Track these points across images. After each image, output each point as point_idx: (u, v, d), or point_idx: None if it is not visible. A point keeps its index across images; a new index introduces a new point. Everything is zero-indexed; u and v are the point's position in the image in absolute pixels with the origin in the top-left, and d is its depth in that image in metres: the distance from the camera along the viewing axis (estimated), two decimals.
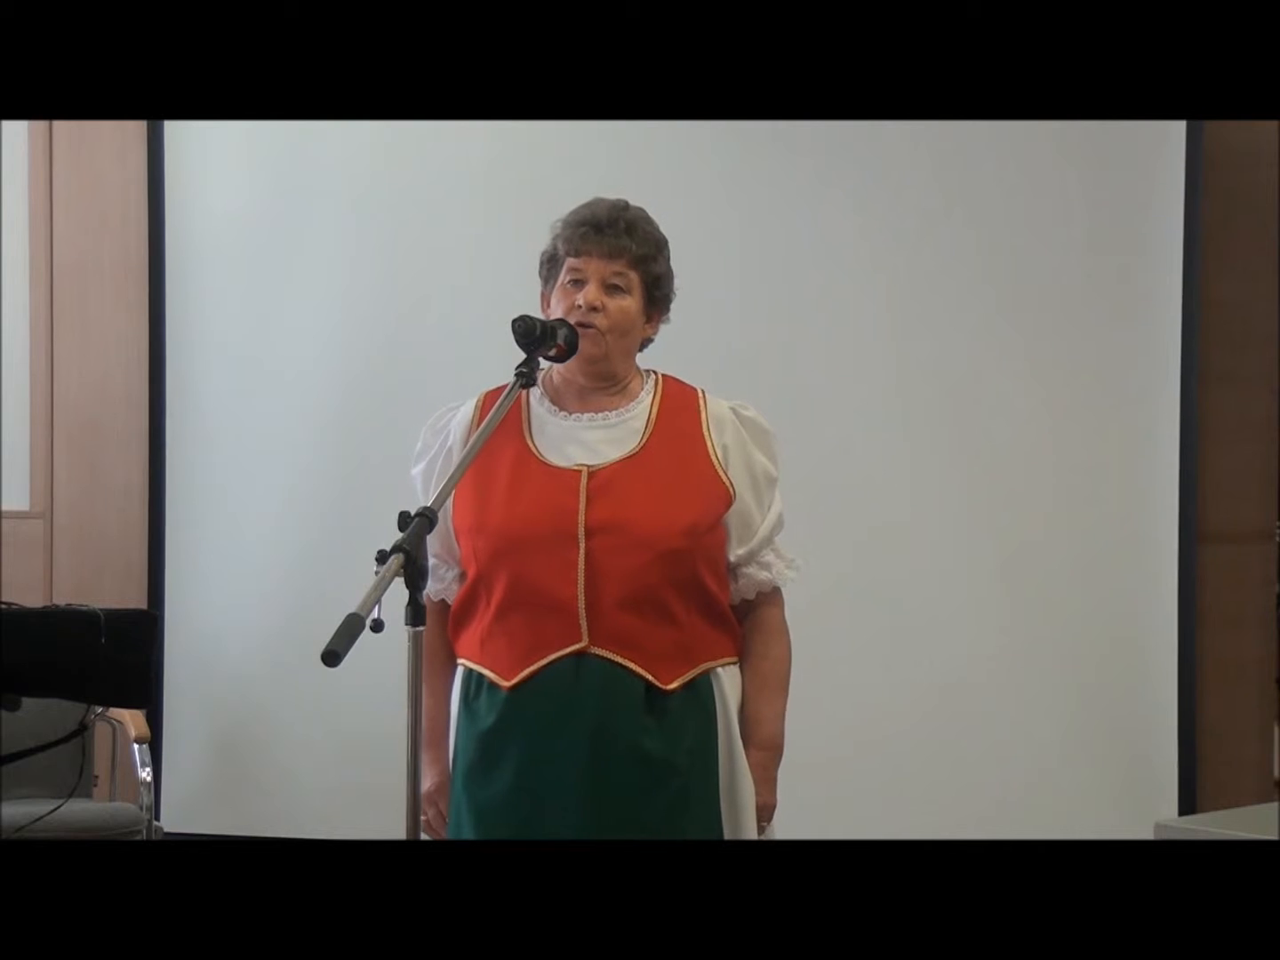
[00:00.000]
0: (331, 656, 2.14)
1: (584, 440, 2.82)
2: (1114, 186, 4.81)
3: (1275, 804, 3.19)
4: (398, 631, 2.36)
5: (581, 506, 2.74)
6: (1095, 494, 4.81)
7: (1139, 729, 4.76)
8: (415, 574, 2.33)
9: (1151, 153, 4.75)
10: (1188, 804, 4.68)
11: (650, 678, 2.74)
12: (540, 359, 2.75)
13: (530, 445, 2.83)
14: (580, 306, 2.79)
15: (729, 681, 2.84)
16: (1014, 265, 4.85)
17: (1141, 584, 4.79)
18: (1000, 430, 4.86)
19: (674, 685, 2.76)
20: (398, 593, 2.36)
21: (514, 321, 2.73)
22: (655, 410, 2.86)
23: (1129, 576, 4.79)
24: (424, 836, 2.85)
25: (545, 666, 2.73)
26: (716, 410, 2.89)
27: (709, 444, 2.85)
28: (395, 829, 2.45)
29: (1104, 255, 4.81)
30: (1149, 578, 4.78)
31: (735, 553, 2.85)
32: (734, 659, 2.87)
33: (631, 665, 2.73)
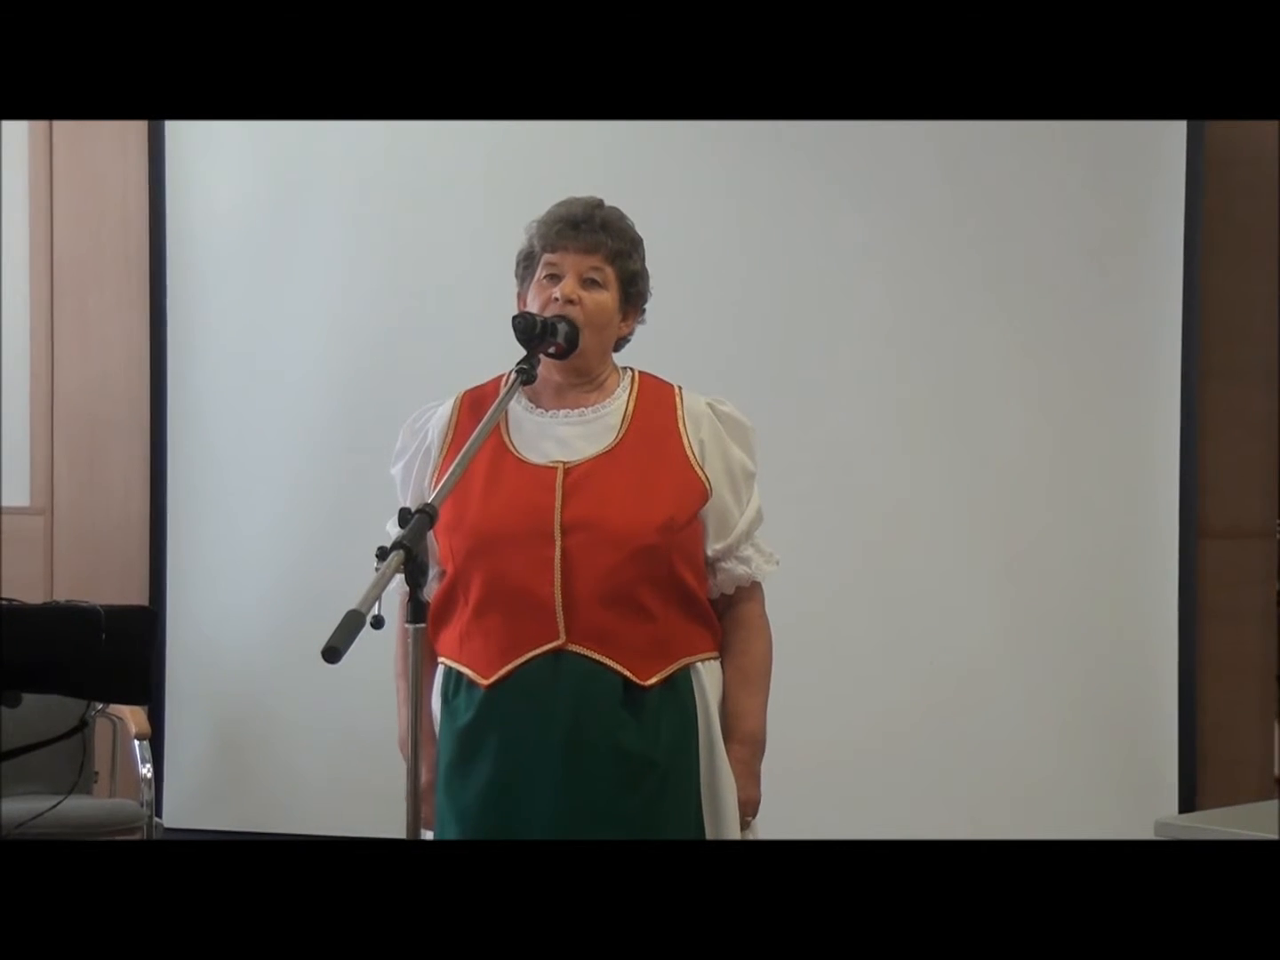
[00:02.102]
0: (331, 653, 2.14)
1: (560, 436, 2.83)
2: (1115, 185, 4.81)
3: (1275, 801, 3.20)
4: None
5: (558, 504, 2.75)
6: (1096, 490, 4.81)
7: (1139, 726, 4.76)
8: (415, 570, 2.33)
9: (1152, 152, 4.74)
10: (1188, 801, 4.68)
11: (628, 674, 2.74)
12: (540, 356, 2.75)
13: (507, 442, 2.83)
14: (557, 299, 2.80)
15: (709, 677, 2.84)
16: (1015, 264, 4.84)
17: (1142, 580, 4.79)
18: (1001, 428, 4.86)
19: (652, 681, 2.76)
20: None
21: (514, 318, 2.74)
22: (631, 406, 2.86)
23: (1130, 573, 4.79)
24: (426, 832, 2.86)
25: (523, 664, 2.73)
26: (693, 406, 2.89)
27: (685, 439, 2.85)
28: (395, 825, 2.45)
29: (1105, 254, 4.81)
30: (1150, 574, 4.78)
31: (713, 548, 2.85)
32: (714, 654, 2.86)
33: (609, 662, 2.73)
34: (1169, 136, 4.72)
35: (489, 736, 2.74)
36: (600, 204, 2.88)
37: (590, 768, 2.70)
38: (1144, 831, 3.04)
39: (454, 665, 2.81)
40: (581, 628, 2.72)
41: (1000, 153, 4.81)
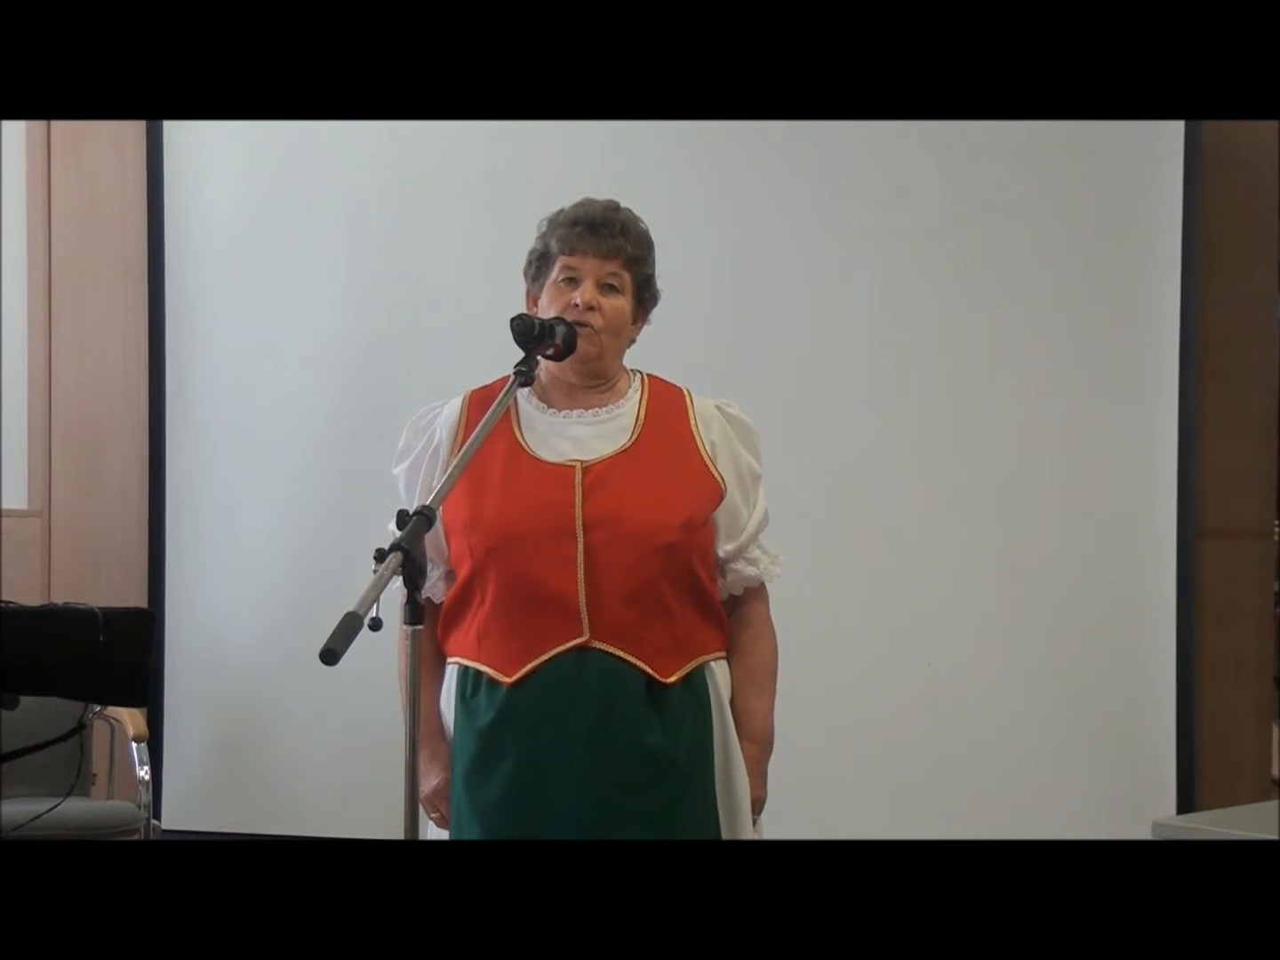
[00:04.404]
0: (329, 655, 2.14)
1: (574, 435, 2.83)
2: (1112, 186, 4.81)
3: (1273, 802, 3.20)
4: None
5: (578, 502, 2.75)
6: (1094, 491, 4.82)
7: (1137, 727, 4.76)
8: (414, 572, 2.33)
9: (1150, 152, 4.75)
10: (1185, 802, 4.68)
11: (650, 672, 2.75)
12: (537, 357, 2.75)
13: (520, 441, 2.83)
14: (577, 305, 2.80)
15: (721, 676, 2.86)
16: (1013, 264, 4.85)
17: (1140, 581, 4.79)
18: (999, 428, 4.86)
19: (673, 679, 2.77)
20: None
21: (512, 320, 2.74)
22: (644, 407, 2.88)
23: (1127, 573, 4.79)
24: (435, 832, 2.86)
25: (546, 662, 2.73)
26: (703, 408, 2.91)
27: (698, 440, 2.87)
28: (396, 826, 2.45)
29: (1103, 254, 4.81)
30: (1148, 575, 4.78)
31: (724, 548, 2.86)
32: (723, 653, 2.88)
33: (632, 659, 2.74)
34: (1166, 136, 4.72)
35: (512, 735, 2.74)
36: (617, 207, 2.88)
37: (615, 766, 2.71)
38: (1141, 832, 3.04)
39: (472, 664, 2.80)
40: (605, 625, 2.73)
41: (997, 153, 4.81)
